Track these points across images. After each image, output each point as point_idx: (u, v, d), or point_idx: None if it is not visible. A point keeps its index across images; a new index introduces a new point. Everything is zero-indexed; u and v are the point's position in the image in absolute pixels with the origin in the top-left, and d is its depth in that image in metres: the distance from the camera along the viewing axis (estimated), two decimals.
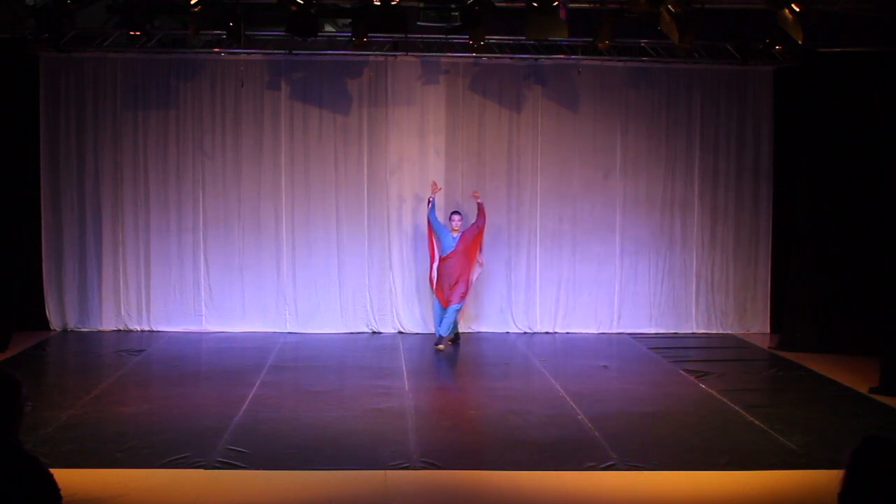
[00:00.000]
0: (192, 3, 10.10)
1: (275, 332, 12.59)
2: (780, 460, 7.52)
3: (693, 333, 12.96)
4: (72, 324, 12.60)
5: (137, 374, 10.36)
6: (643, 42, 12.43)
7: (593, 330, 12.95)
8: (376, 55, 12.58)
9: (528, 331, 12.92)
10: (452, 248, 11.64)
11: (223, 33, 11.05)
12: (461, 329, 12.43)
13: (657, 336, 12.77)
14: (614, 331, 12.93)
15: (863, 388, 9.83)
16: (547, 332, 12.93)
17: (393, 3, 10.11)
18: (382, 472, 7.07)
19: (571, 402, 9.15)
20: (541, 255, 12.94)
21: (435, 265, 11.84)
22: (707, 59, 12.62)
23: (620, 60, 12.74)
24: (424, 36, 11.88)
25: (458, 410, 9.46)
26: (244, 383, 9.75)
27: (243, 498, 6.62)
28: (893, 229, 10.54)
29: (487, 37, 11.14)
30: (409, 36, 11.61)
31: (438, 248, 11.79)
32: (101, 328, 12.61)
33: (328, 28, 12.38)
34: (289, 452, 7.50)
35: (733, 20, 11.78)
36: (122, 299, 12.65)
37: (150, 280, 12.66)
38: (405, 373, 10.51)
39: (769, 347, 12.16)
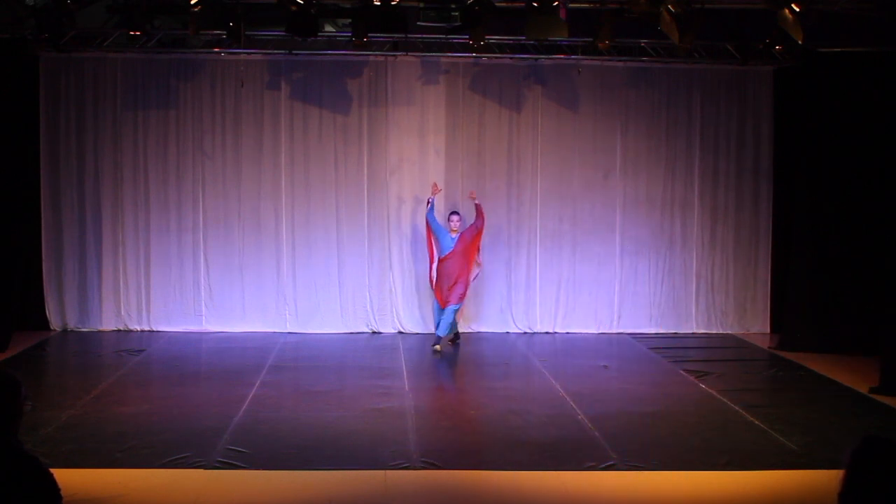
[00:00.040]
0: (192, 3, 10.10)
1: (275, 332, 12.59)
2: (780, 460, 7.52)
3: (693, 333, 12.96)
4: (72, 324, 12.60)
5: (137, 374, 10.36)
6: (643, 42, 12.43)
7: (593, 330, 12.95)
8: (376, 55, 12.58)
9: (528, 331, 12.92)
10: (451, 249, 11.62)
11: (223, 33, 11.05)
12: (461, 329, 12.43)
13: (657, 336, 12.77)
14: (614, 331, 12.93)
15: (863, 388, 9.83)
16: (547, 332, 12.93)
17: (393, 3, 10.11)
18: (382, 472, 7.07)
19: (571, 402, 9.15)
20: (541, 255, 12.94)
21: (434, 265, 11.83)
22: (707, 59, 12.62)
23: (620, 60, 12.74)
24: (424, 36, 11.88)
25: (458, 410, 9.46)
26: (244, 383, 9.75)
27: (243, 498, 6.62)
28: (893, 229, 10.54)
29: (487, 37, 11.14)
30: (409, 36, 11.61)
31: (437, 248, 11.78)
32: (101, 328, 12.61)
33: (328, 28, 12.38)
34: (289, 452, 7.50)
35: (733, 20, 11.78)
36: (122, 299, 12.65)
37: (150, 280, 12.66)
38: (405, 373, 10.51)
39: (769, 347, 12.16)
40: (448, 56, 12.58)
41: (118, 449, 7.50)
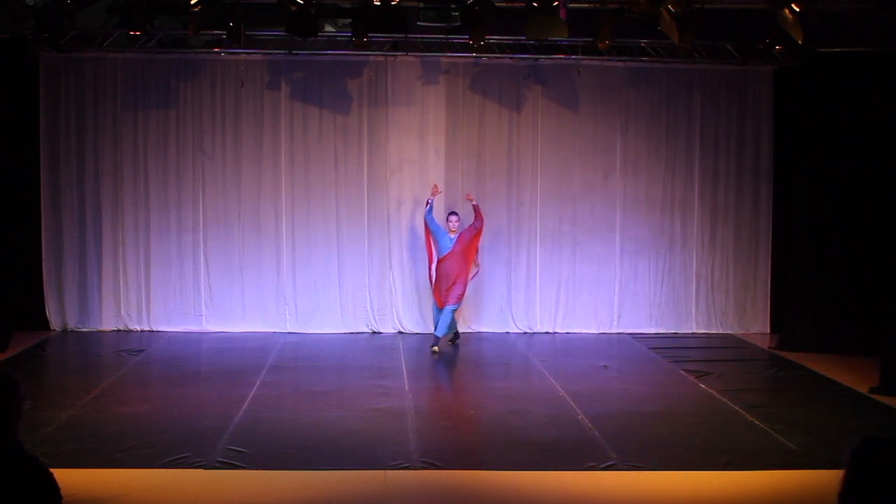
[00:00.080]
0: (192, 3, 10.10)
1: (275, 332, 12.59)
2: (780, 460, 7.52)
3: (693, 333, 12.96)
4: (72, 324, 12.60)
5: (137, 374, 10.36)
6: (643, 42, 12.43)
7: (593, 330, 12.95)
8: (376, 55, 12.58)
9: (528, 331, 12.92)
10: (450, 250, 11.59)
11: (223, 33, 11.05)
12: (461, 329, 12.43)
13: (657, 336, 12.77)
14: (614, 331, 12.93)
15: (863, 388, 9.83)
16: (547, 332, 12.93)
17: (393, 3, 10.11)
18: (382, 472, 7.07)
19: (571, 402, 9.15)
20: (541, 255, 12.94)
21: (433, 266, 11.81)
22: (707, 59, 12.62)
23: (620, 60, 12.74)
24: (424, 36, 11.88)
25: (458, 410, 9.46)
26: (244, 383, 9.75)
27: (243, 498, 6.62)
28: (893, 229, 10.54)
29: (487, 37, 11.14)
30: (409, 36, 11.61)
31: (436, 249, 11.76)
32: (101, 328, 12.61)
33: (328, 28, 12.38)
34: (289, 452, 7.50)
35: (733, 20, 11.78)
36: (122, 299, 12.65)
37: (150, 280, 12.66)
38: (405, 373, 10.51)
39: (769, 347, 12.16)
40: (448, 56, 12.58)
41: (118, 449, 7.50)
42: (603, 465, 7.30)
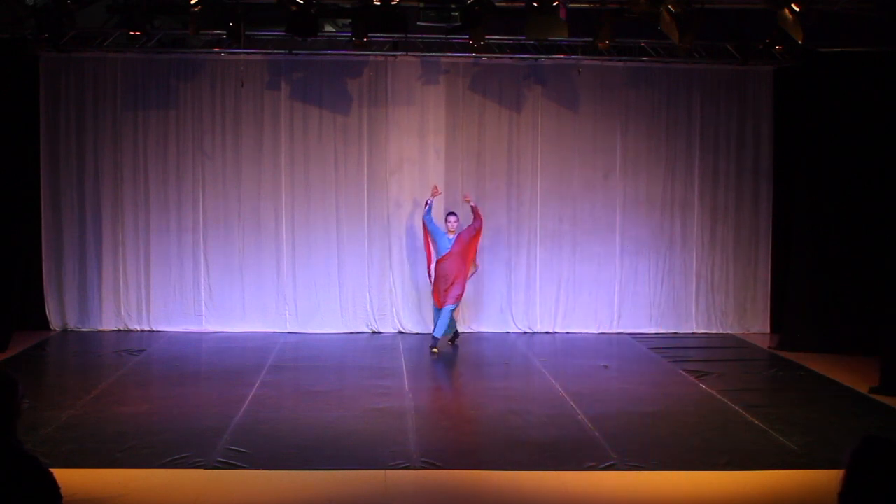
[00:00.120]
0: (192, 3, 10.10)
1: (275, 332, 12.59)
2: (780, 460, 7.52)
3: (693, 333, 12.96)
4: (72, 324, 12.60)
5: (137, 374, 10.36)
6: (643, 42, 12.43)
7: (593, 330, 12.95)
8: (376, 55, 12.58)
9: (528, 331, 12.92)
10: (448, 250, 11.56)
11: (223, 33, 11.05)
12: (462, 329, 12.43)
13: (657, 336, 12.77)
14: (614, 331, 12.93)
15: (863, 388, 9.83)
16: (547, 332, 12.93)
17: (393, 3, 10.11)
18: (382, 472, 7.07)
19: (571, 402, 9.15)
20: (541, 255, 12.94)
21: (432, 266, 11.80)
22: (707, 59, 12.62)
23: (620, 60, 12.74)
24: (424, 36, 11.88)
25: (458, 410, 9.46)
26: (244, 383, 9.75)
27: (243, 498, 6.62)
28: (893, 229, 10.54)
29: (487, 37, 11.14)
30: (409, 36, 11.61)
31: (434, 249, 11.74)
32: (101, 328, 12.62)
33: (328, 28, 12.38)
34: (289, 452, 7.50)
35: (733, 20, 11.78)
36: (122, 299, 12.65)
37: (150, 280, 12.66)
38: (405, 373, 10.51)
39: (769, 347, 12.16)
40: (448, 56, 12.58)
41: (118, 449, 7.50)
42: (603, 465, 7.30)
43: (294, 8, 10.20)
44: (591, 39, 11.32)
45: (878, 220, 11.15)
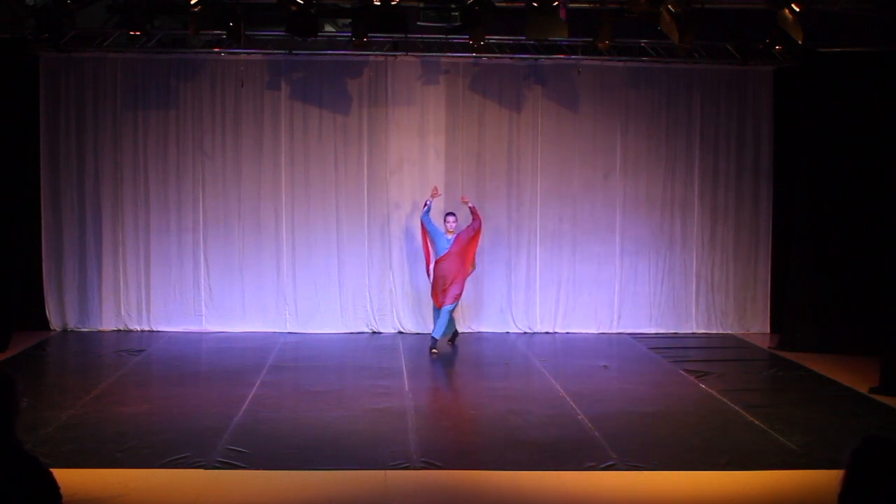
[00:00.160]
0: (192, 3, 10.11)
1: (275, 332, 12.59)
2: (780, 460, 7.52)
3: (693, 333, 12.96)
4: (72, 324, 12.60)
5: (137, 374, 10.36)
6: (643, 42, 12.43)
7: (593, 330, 12.95)
8: (376, 55, 12.58)
9: (528, 331, 12.91)
10: (447, 250, 11.53)
11: (223, 33, 11.06)
12: (462, 329, 12.43)
13: (657, 336, 12.77)
14: (614, 331, 12.93)
15: (863, 388, 9.83)
16: (547, 332, 12.92)
17: (393, 3, 10.11)
18: (382, 472, 7.07)
19: (571, 402, 9.15)
20: (541, 255, 12.94)
21: (431, 266, 11.78)
22: (707, 59, 12.62)
23: (620, 60, 12.74)
24: (424, 36, 11.88)
25: (458, 410, 9.47)
26: (244, 383, 9.75)
27: (243, 498, 6.62)
28: (893, 229, 10.54)
29: (487, 37, 11.14)
30: (409, 36, 11.61)
31: (433, 249, 11.72)
32: (101, 328, 12.62)
33: (328, 28, 12.38)
34: (289, 452, 7.50)
35: (733, 20, 11.78)
36: (122, 299, 12.65)
37: (150, 280, 12.66)
38: (405, 373, 10.51)
39: (769, 347, 12.16)
40: (448, 56, 12.58)
41: (118, 449, 7.50)
42: (603, 465, 7.30)
43: (294, 8, 10.20)
44: (591, 39, 11.33)
45: (878, 220, 11.15)
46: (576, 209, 12.94)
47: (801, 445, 7.86)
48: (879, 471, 3.20)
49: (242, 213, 12.70)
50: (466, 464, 7.44)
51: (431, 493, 6.82)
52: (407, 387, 9.87)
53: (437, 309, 11.68)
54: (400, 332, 12.74)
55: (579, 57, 12.63)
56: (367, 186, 12.74)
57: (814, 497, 6.61)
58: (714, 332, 13.01)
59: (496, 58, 12.67)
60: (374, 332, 12.76)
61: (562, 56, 12.66)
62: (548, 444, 7.87)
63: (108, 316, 12.64)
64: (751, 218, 13.06)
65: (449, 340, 11.97)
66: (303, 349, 11.75)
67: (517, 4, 10.48)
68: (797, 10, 9.31)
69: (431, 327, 11.87)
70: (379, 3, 10.10)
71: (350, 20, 11.08)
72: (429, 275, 11.82)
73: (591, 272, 12.97)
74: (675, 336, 12.80)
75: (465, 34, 11.01)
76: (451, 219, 11.65)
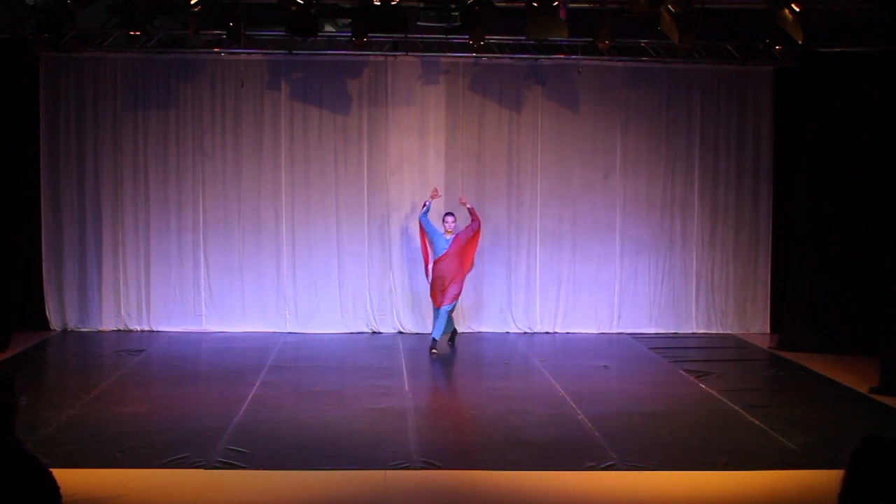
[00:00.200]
0: (192, 3, 10.11)
1: (275, 332, 12.59)
2: (780, 460, 7.52)
3: (693, 333, 12.96)
4: (72, 324, 12.60)
5: (137, 374, 10.36)
6: (643, 42, 12.43)
7: (593, 330, 12.95)
8: (376, 55, 12.58)
9: (528, 331, 12.91)
10: (445, 250, 11.51)
11: (223, 33, 11.06)
12: (462, 329, 12.44)
13: (657, 336, 12.76)
14: (614, 331, 12.93)
15: (863, 388, 9.83)
16: (547, 332, 12.92)
17: (393, 3, 10.11)
18: (382, 472, 7.07)
19: (571, 402, 9.15)
20: (541, 255, 12.94)
21: (429, 267, 11.76)
22: (707, 59, 12.62)
23: (620, 60, 12.74)
24: (424, 36, 11.88)
25: (458, 410, 9.47)
26: (244, 383, 9.75)
27: (243, 498, 6.62)
28: (893, 229, 10.54)
29: (487, 37, 11.14)
30: (409, 36, 11.61)
31: (432, 250, 11.71)
32: (101, 328, 12.61)
33: (328, 28, 12.38)
34: (289, 452, 7.50)
35: (733, 20, 11.78)
36: (122, 299, 12.65)
37: (150, 280, 12.66)
38: (405, 373, 10.51)
39: (769, 347, 12.16)
40: (448, 56, 12.58)
41: (118, 449, 7.50)
42: (603, 465, 7.30)
43: (294, 8, 10.20)
44: (591, 39, 11.33)
45: (878, 220, 11.15)
46: (576, 209, 12.94)
47: (801, 445, 7.86)
48: (879, 471, 3.20)
49: (242, 213, 12.70)
50: (466, 464, 7.43)
51: (431, 493, 6.82)
52: (407, 387, 9.87)
53: (436, 309, 11.67)
54: (400, 332, 12.74)
55: (579, 57, 12.63)
56: (367, 186, 12.74)
57: (814, 497, 6.61)
58: (714, 332, 13.01)
59: (496, 58, 12.67)
60: (374, 332, 12.76)
61: (562, 56, 12.66)
62: (548, 444, 7.88)
63: (108, 316, 12.64)
64: (751, 218, 13.06)
65: (448, 340, 11.96)
66: (303, 349, 11.75)
67: (517, 4, 10.48)
68: (797, 10, 9.31)
69: (431, 328, 11.86)
70: (379, 3, 10.10)
71: (350, 20, 11.08)
72: (427, 275, 11.81)
73: (591, 272, 12.97)
74: (675, 336, 12.80)
75: (465, 34, 11.01)
76: (449, 219, 11.63)
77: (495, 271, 12.86)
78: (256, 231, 12.72)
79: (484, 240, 12.26)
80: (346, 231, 12.76)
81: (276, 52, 12.49)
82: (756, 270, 13.10)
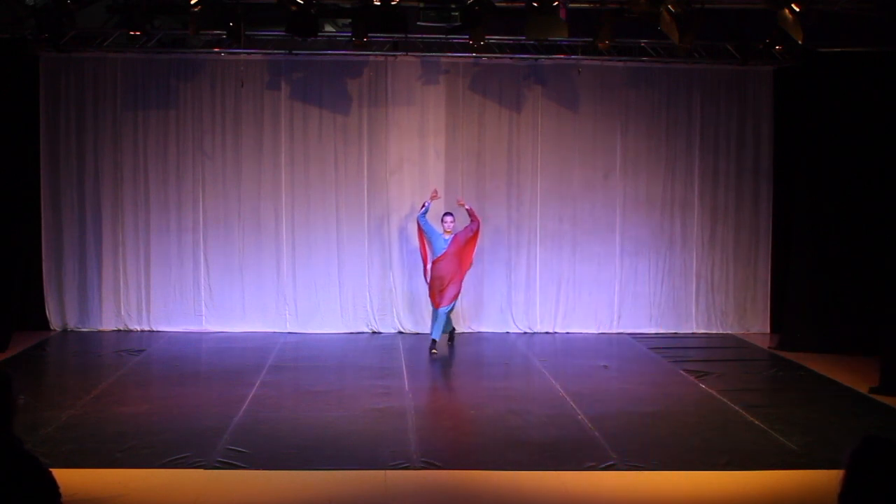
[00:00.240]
0: (192, 3, 10.11)
1: (275, 332, 12.59)
2: (780, 460, 7.52)
3: (693, 333, 12.96)
4: (72, 324, 12.60)
5: (137, 374, 10.36)
6: (643, 42, 12.43)
7: (593, 330, 12.95)
8: (376, 55, 12.58)
9: (528, 331, 12.91)
10: (444, 251, 11.50)
11: (223, 33, 11.06)
12: (462, 329, 12.44)
13: (657, 336, 12.76)
14: (614, 331, 12.93)
15: (863, 388, 9.83)
16: (547, 332, 12.92)
17: (393, 3, 10.11)
18: (382, 472, 7.07)
19: (571, 402, 9.15)
20: (541, 255, 12.94)
21: (428, 267, 11.75)
22: (707, 59, 12.62)
23: (620, 60, 12.74)
24: (424, 36, 11.88)
25: (458, 410, 9.47)
26: (244, 383, 9.75)
27: (243, 498, 6.62)
28: (893, 229, 10.54)
29: (487, 37, 11.14)
30: (409, 36, 11.61)
31: (430, 250, 11.70)
32: (101, 328, 12.62)
33: (328, 28, 12.38)
34: (289, 452, 7.50)
35: (733, 20, 11.78)
36: (122, 299, 12.65)
37: (150, 280, 12.66)
38: (405, 373, 10.51)
39: (769, 347, 12.16)
40: (448, 56, 12.58)
41: (118, 449, 7.50)
42: (603, 465, 7.30)
43: (294, 8, 10.20)
44: (591, 39, 11.33)
45: (878, 220, 11.15)
46: (576, 209, 12.94)
47: (801, 445, 7.86)
48: (879, 471, 3.20)
49: (242, 213, 12.70)
50: (466, 464, 7.43)
51: (431, 493, 6.82)
52: (407, 387, 9.87)
53: (434, 310, 11.67)
54: (400, 332, 12.74)
55: (579, 57, 12.63)
56: (367, 186, 12.74)
57: (814, 497, 6.61)
58: (714, 332, 13.01)
59: (496, 58, 12.67)
60: (374, 332, 12.76)
61: (562, 56, 12.66)
62: (548, 444, 7.87)
63: (108, 316, 12.64)
64: (751, 218, 13.06)
65: (448, 340, 11.95)
66: (303, 349, 11.75)
67: (517, 4, 10.48)
68: (797, 10, 9.31)
69: (430, 328, 11.86)
70: (379, 3, 10.10)
71: (350, 20, 11.08)
72: (426, 276, 11.80)
73: (591, 272, 12.97)
74: (675, 336, 12.80)
75: (465, 34, 11.01)
76: (448, 219, 11.63)
77: (495, 271, 12.86)
78: (256, 231, 12.72)
79: (484, 240, 12.26)
80: (346, 231, 12.76)
81: (276, 52, 12.49)
82: (756, 270, 13.10)
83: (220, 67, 12.61)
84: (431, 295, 11.65)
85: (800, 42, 9.81)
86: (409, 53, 12.49)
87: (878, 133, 11.35)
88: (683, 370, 10.71)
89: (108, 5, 10.69)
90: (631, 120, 12.94)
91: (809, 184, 12.02)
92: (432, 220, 11.68)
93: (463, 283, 11.78)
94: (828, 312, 11.75)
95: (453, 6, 10.33)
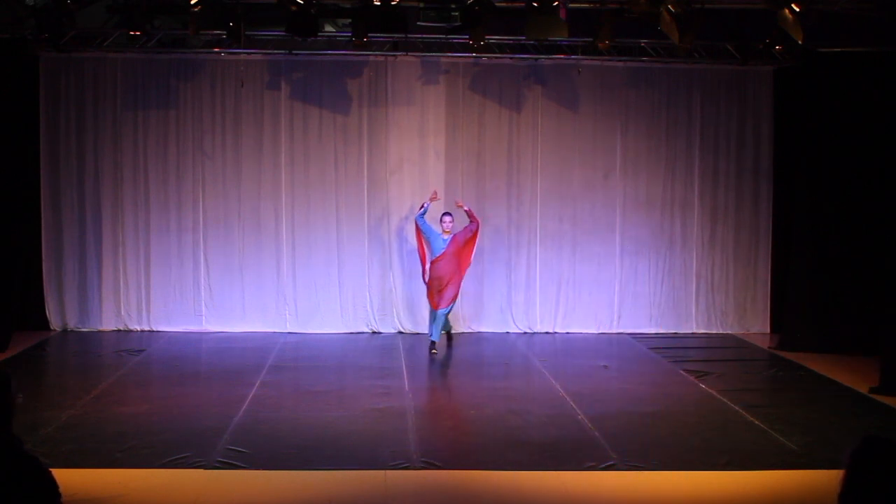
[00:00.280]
0: (192, 3, 10.11)
1: (275, 332, 12.59)
2: (780, 460, 7.52)
3: (693, 333, 12.96)
4: (72, 324, 12.60)
5: (137, 374, 10.36)
6: (643, 42, 12.43)
7: (593, 330, 12.95)
8: (376, 55, 12.58)
9: (528, 331, 12.91)
10: (443, 251, 11.49)
11: (223, 33, 11.06)
12: (462, 329, 12.45)
13: (657, 336, 12.76)
14: (614, 331, 12.93)
15: (863, 388, 9.83)
16: (547, 332, 12.92)
17: (393, 3, 10.11)
18: (382, 472, 7.08)
19: (571, 402, 9.15)
20: (541, 255, 12.94)
21: (426, 267, 11.74)
22: (707, 59, 12.62)
23: (620, 60, 12.74)
24: (424, 36, 11.88)
25: (458, 410, 9.47)
26: (244, 383, 9.75)
27: (243, 498, 6.62)
28: (893, 229, 10.54)
29: (487, 37, 11.14)
30: (409, 36, 11.61)
31: (429, 250, 11.69)
32: (101, 328, 12.62)
33: (328, 28, 12.38)
34: (289, 452, 7.50)
35: (733, 20, 11.78)
36: (122, 299, 12.65)
37: (150, 280, 12.66)
38: (405, 373, 10.51)
39: (769, 347, 12.16)
40: (448, 56, 12.58)
41: (118, 449, 7.50)
42: (603, 465, 7.30)
43: (294, 8, 10.20)
44: (591, 39, 11.32)
45: (878, 220, 11.15)
46: (576, 209, 12.94)
47: (801, 445, 7.86)
48: (879, 471, 3.20)
49: (242, 213, 12.70)
50: (466, 464, 7.43)
51: (431, 493, 6.82)
52: (407, 387, 9.87)
53: (432, 311, 11.67)
54: (400, 332, 12.74)
55: (579, 57, 12.63)
56: (367, 186, 12.74)
57: (814, 497, 6.61)
58: (714, 332, 13.01)
59: (496, 58, 12.67)
60: (374, 332, 12.76)
61: (562, 56, 12.66)
62: (548, 444, 7.88)
63: (108, 316, 12.64)
64: (751, 218, 13.06)
65: (446, 340, 11.94)
66: (303, 349, 11.75)
67: (517, 4, 10.48)
68: (797, 10, 9.31)
69: (429, 328, 11.86)
70: (379, 3, 10.10)
71: (350, 20, 11.08)
72: (424, 277, 11.79)
73: (591, 272, 12.97)
74: (675, 336, 12.80)
75: (465, 34, 11.00)
76: (447, 219, 11.62)
77: (495, 271, 12.86)
78: (256, 231, 12.73)
79: (484, 240, 12.26)
80: (345, 231, 12.76)
81: (276, 52, 12.49)
82: (756, 270, 13.10)
83: (220, 67, 12.61)
84: (430, 296, 11.65)
85: (800, 42, 9.81)
86: (409, 53, 12.49)
87: (878, 133, 11.35)
88: (683, 370, 10.71)
89: (108, 5, 10.69)
90: (631, 120, 12.94)
91: (809, 184, 12.02)
92: (431, 220, 11.68)
93: (462, 285, 11.78)
94: (828, 312, 11.75)
95: (453, 6, 10.33)
